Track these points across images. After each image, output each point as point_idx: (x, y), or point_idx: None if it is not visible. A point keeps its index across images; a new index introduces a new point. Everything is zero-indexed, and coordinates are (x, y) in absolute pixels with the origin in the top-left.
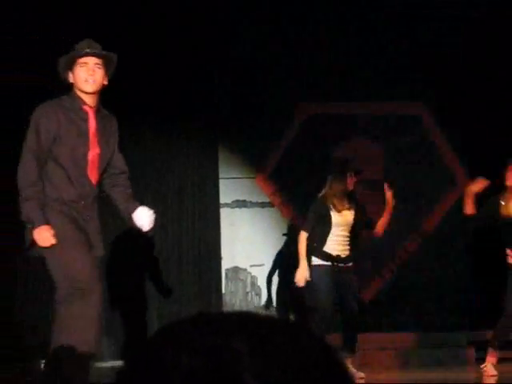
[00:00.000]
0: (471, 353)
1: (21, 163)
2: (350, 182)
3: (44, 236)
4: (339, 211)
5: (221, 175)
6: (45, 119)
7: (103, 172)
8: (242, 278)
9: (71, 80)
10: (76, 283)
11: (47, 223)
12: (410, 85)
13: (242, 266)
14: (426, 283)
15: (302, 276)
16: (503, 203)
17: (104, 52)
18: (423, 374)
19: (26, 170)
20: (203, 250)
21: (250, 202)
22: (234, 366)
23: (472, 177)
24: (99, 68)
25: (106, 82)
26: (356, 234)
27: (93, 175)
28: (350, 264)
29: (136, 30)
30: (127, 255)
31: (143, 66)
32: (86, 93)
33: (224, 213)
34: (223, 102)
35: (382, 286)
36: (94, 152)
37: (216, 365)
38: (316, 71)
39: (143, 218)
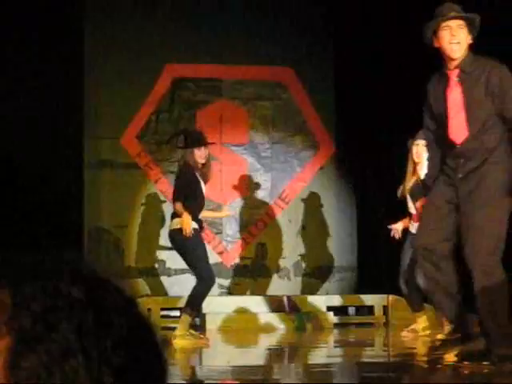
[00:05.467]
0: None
1: None
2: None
3: None
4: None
5: (86, 134)
6: None
7: None
8: (104, 238)
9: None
10: None
11: None
12: (280, 50)
13: (105, 226)
14: (289, 248)
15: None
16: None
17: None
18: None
19: None
20: (66, 209)
21: (115, 162)
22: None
23: (339, 144)
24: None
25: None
26: None
27: None
28: None
29: None
30: None
31: None
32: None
33: (88, 172)
34: (90, 63)
35: (245, 249)
36: None
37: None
38: (185, 32)
39: None
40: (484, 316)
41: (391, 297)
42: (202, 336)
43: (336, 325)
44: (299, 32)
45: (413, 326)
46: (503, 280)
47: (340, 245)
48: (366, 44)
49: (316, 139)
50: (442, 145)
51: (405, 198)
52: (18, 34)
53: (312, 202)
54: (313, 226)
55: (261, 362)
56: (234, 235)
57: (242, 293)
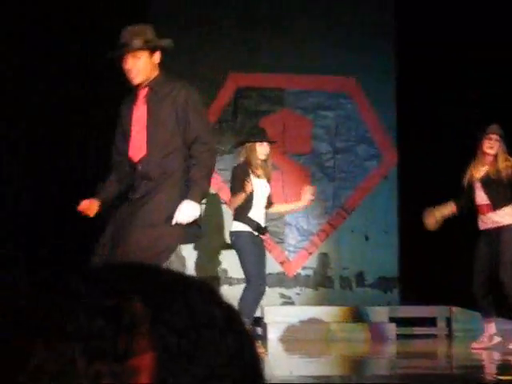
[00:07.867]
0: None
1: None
2: (266, 152)
3: None
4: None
5: None
6: None
7: None
8: None
9: None
10: None
11: None
12: (343, 60)
13: None
14: (351, 258)
15: None
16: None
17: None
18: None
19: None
20: None
21: None
22: (132, 330)
23: (402, 156)
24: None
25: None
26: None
27: None
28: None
29: None
30: None
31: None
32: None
33: None
34: None
35: (306, 260)
36: None
37: (115, 328)
38: (248, 41)
39: None
40: None
41: (454, 308)
42: (258, 345)
43: (399, 336)
44: (362, 42)
45: (484, 342)
46: None
47: (403, 255)
48: (428, 53)
49: (379, 149)
50: (124, 166)
51: (471, 187)
52: (70, 44)
53: (375, 212)
54: (375, 236)
55: (323, 372)
56: (296, 245)
57: (304, 303)
